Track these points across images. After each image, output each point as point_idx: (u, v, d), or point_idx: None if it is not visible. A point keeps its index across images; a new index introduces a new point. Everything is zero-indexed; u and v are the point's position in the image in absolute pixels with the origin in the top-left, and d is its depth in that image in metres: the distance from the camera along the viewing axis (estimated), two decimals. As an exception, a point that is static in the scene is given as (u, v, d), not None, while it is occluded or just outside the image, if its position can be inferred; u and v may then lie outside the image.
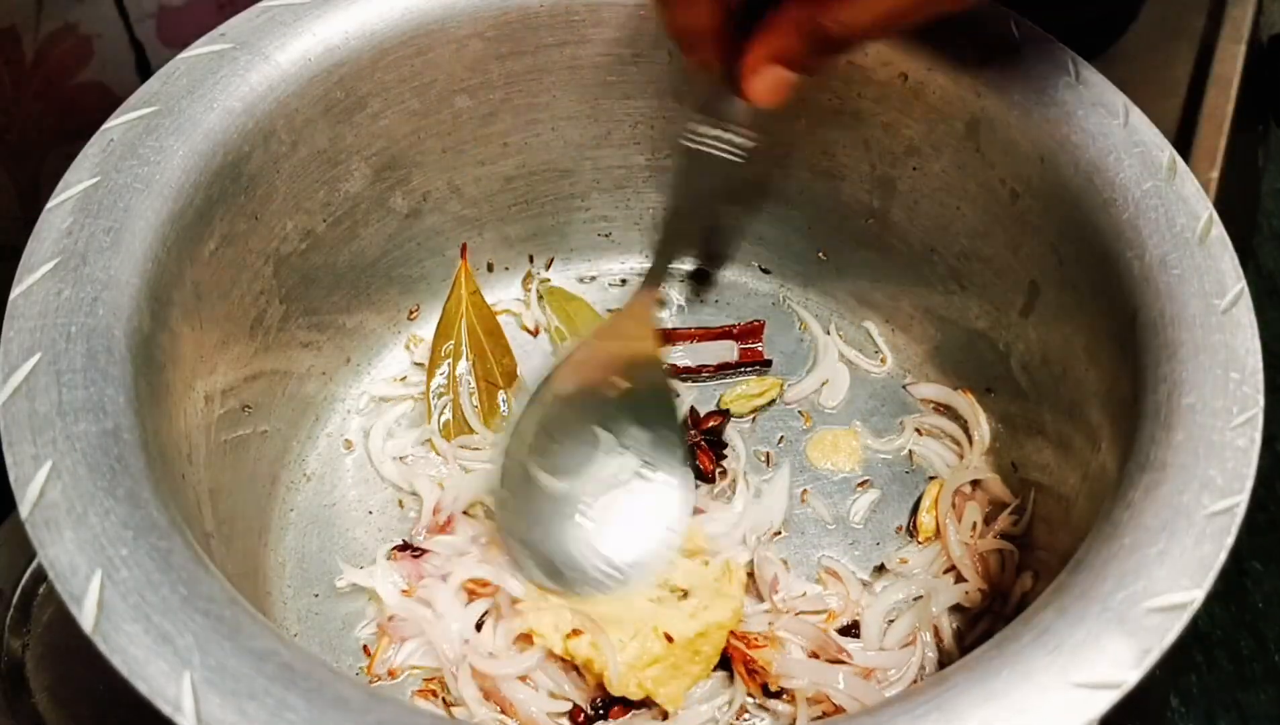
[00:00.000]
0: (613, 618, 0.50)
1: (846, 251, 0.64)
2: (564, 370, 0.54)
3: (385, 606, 0.53)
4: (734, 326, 0.65)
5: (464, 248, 0.63)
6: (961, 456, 0.59)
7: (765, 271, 0.67)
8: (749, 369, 0.63)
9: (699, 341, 0.64)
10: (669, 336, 0.64)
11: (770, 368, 0.64)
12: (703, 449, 0.59)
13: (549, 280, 0.67)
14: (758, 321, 0.65)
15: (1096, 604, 0.37)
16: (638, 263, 0.68)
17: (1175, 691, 0.81)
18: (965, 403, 0.60)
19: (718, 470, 0.58)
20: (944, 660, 0.52)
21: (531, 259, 0.67)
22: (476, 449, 0.59)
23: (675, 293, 0.67)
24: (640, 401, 0.54)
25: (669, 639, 0.49)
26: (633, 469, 0.53)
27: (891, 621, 0.53)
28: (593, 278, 0.68)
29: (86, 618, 0.34)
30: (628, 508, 0.52)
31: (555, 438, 0.53)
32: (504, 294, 0.66)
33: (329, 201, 0.56)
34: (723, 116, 0.50)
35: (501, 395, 0.61)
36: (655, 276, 0.57)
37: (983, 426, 0.59)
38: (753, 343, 0.64)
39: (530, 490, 0.52)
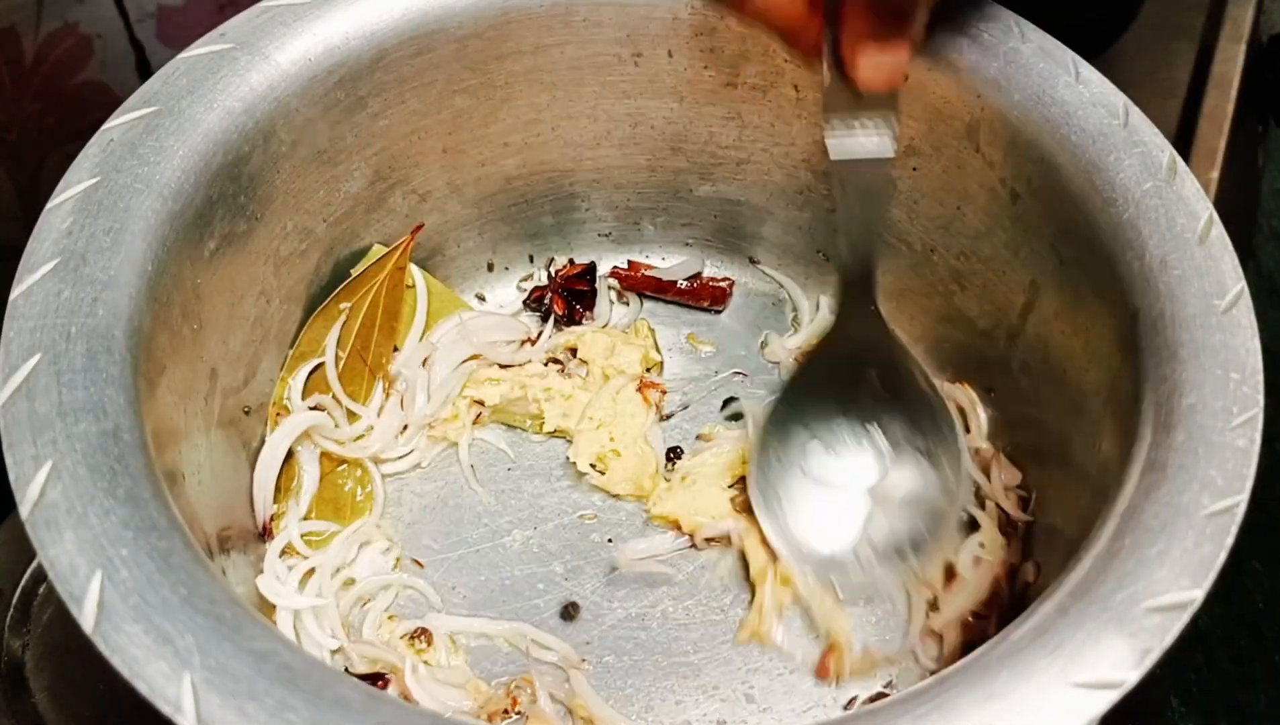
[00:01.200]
0: None
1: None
2: (810, 373, 0.54)
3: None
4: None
5: (418, 227, 0.61)
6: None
7: (766, 271, 0.67)
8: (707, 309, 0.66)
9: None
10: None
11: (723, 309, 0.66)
12: (559, 297, 0.63)
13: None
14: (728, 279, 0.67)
15: (1096, 604, 0.37)
16: (638, 263, 0.68)
17: (1175, 691, 0.81)
18: (961, 392, 0.60)
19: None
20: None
21: (532, 259, 0.67)
22: (320, 409, 0.57)
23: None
24: (905, 406, 0.53)
25: None
26: (909, 478, 0.53)
27: None
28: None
29: (87, 618, 0.34)
30: (899, 511, 0.52)
31: (821, 439, 0.54)
32: (504, 294, 0.66)
33: (329, 201, 0.56)
34: (852, 111, 0.46)
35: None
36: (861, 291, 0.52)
37: (980, 415, 0.59)
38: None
39: (798, 490, 0.53)
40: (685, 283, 0.66)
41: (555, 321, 0.64)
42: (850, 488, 0.53)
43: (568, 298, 0.64)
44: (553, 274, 0.66)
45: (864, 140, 0.46)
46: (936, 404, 0.53)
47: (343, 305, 0.58)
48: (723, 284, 0.66)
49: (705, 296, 0.65)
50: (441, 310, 0.62)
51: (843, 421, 0.54)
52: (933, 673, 0.51)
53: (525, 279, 0.67)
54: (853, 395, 0.53)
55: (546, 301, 0.64)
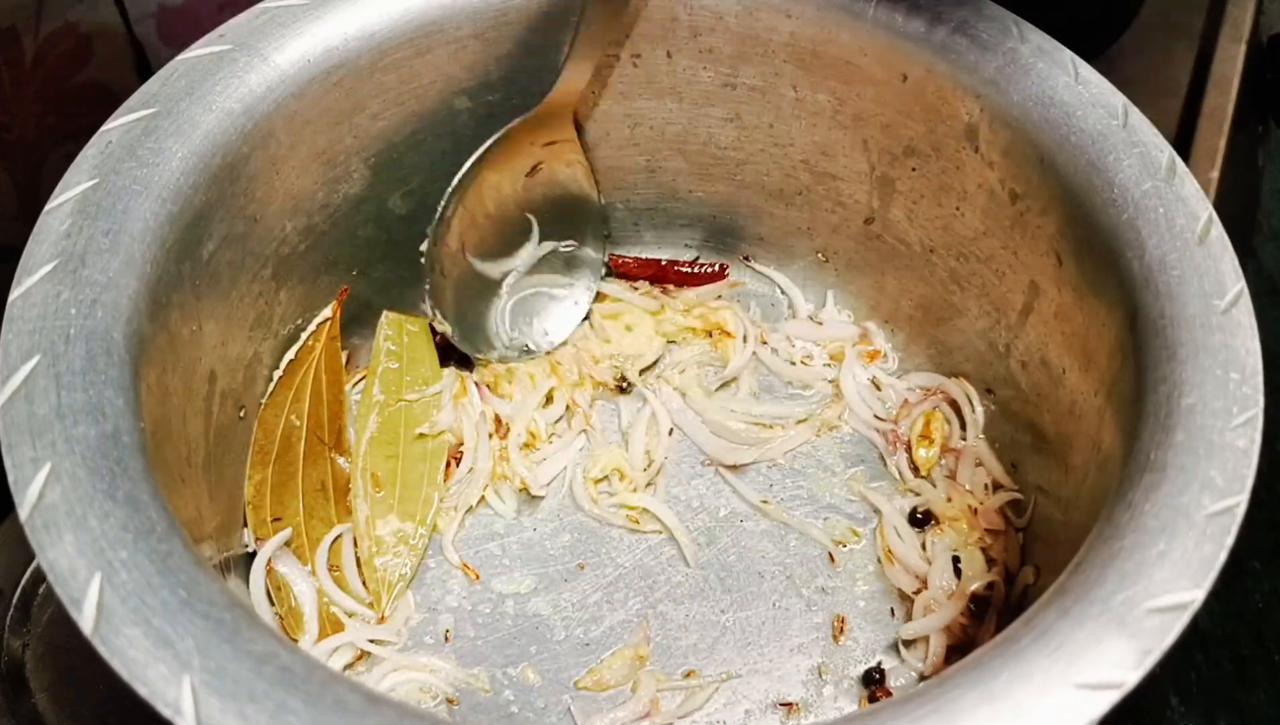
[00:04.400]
0: None
1: (846, 251, 0.64)
2: (490, 157, 0.58)
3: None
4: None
5: (343, 291, 0.59)
6: (964, 439, 0.59)
7: (763, 271, 0.67)
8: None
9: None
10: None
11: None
12: None
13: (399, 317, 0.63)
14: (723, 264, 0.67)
15: (1097, 605, 0.37)
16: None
17: (1175, 691, 0.81)
18: (958, 386, 0.60)
19: None
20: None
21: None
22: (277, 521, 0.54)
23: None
24: (558, 180, 0.60)
25: None
26: (553, 249, 0.62)
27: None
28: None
29: (86, 621, 0.34)
30: (548, 283, 0.63)
31: (484, 221, 0.59)
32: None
33: (328, 203, 0.56)
34: None
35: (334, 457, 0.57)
36: (577, 70, 0.57)
37: (977, 410, 0.59)
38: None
39: (463, 272, 0.60)
40: (685, 268, 0.66)
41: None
42: (502, 268, 0.61)
43: None
44: None
45: None
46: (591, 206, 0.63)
47: (286, 393, 0.57)
48: (719, 271, 0.66)
49: (704, 282, 0.66)
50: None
51: (509, 201, 0.60)
52: (923, 676, 0.52)
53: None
54: (522, 181, 0.59)
55: None
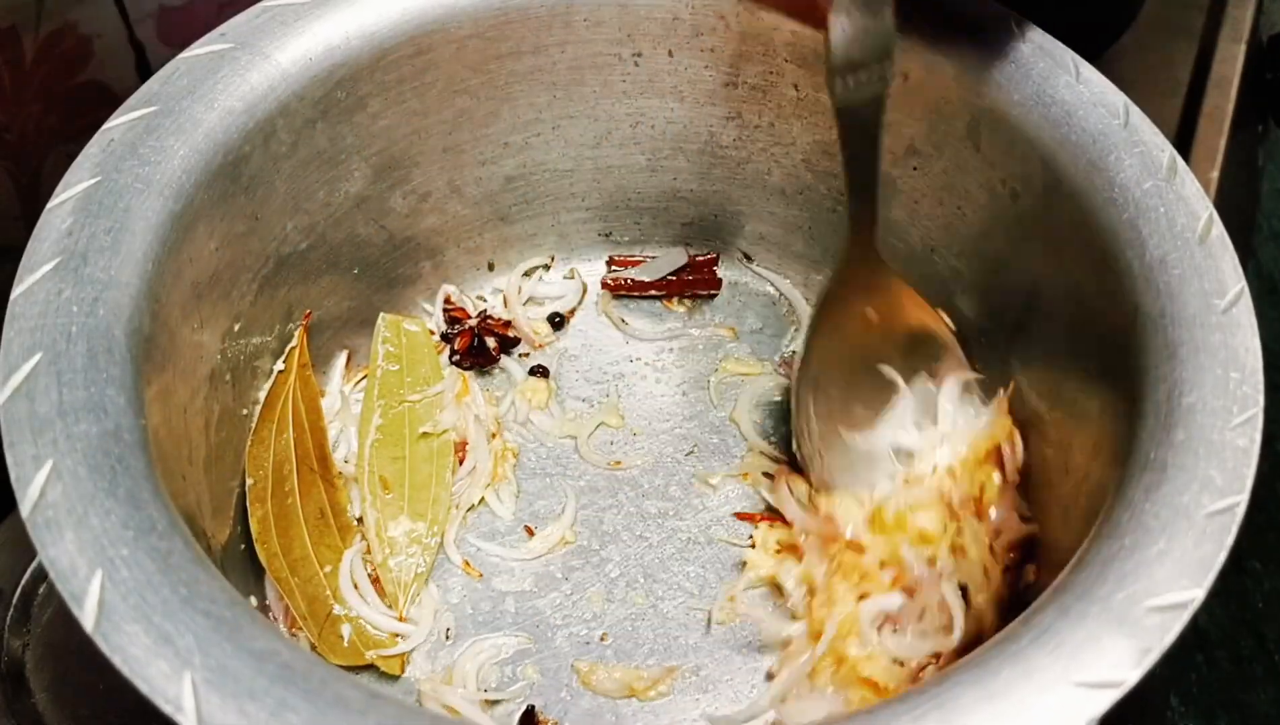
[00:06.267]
0: None
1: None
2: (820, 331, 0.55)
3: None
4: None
5: (308, 315, 0.58)
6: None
7: (765, 271, 0.67)
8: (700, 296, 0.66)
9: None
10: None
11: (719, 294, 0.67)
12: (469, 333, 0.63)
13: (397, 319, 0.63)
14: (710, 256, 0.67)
15: (1097, 604, 0.37)
16: (625, 259, 0.68)
17: (1175, 691, 0.81)
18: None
19: None
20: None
21: (548, 264, 0.67)
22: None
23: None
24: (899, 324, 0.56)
25: None
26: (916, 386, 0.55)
27: None
28: (594, 277, 0.68)
29: (87, 618, 0.34)
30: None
31: (850, 395, 0.55)
32: (501, 295, 0.66)
33: (329, 202, 0.56)
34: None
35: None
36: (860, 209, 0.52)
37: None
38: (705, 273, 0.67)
39: (844, 450, 0.55)
40: (674, 276, 0.66)
41: (451, 355, 0.63)
42: (880, 436, 0.54)
43: (478, 339, 0.63)
44: (480, 316, 0.64)
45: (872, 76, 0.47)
46: (932, 326, 0.56)
47: (268, 427, 0.56)
48: (712, 270, 0.66)
49: (698, 287, 0.66)
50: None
51: (859, 365, 0.55)
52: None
53: (528, 273, 0.67)
54: (861, 338, 0.55)
55: (456, 332, 0.63)
